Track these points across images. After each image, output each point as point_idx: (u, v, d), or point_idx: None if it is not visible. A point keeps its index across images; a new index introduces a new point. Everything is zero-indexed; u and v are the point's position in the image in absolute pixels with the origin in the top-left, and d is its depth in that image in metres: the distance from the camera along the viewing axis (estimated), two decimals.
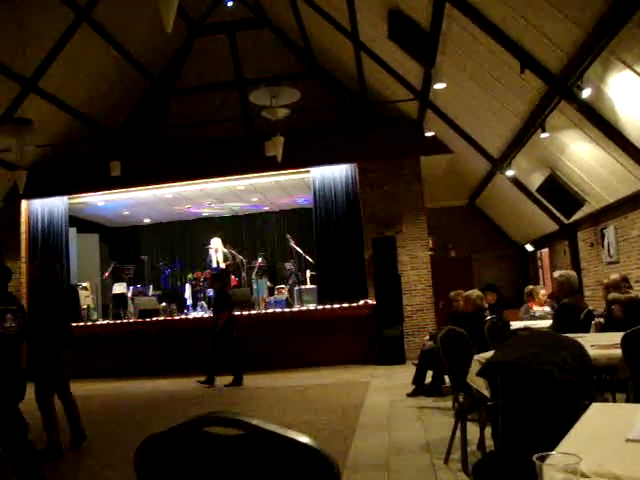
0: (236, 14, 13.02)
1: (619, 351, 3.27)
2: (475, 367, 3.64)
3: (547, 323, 6.36)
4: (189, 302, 14.47)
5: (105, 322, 12.57)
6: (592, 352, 3.07)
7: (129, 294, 13.71)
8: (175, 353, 11.67)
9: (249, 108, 12.49)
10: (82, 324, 12.28)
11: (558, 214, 10.48)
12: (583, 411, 2.05)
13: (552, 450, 1.41)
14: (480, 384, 3.46)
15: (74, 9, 10.36)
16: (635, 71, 5.96)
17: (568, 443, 1.48)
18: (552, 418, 2.50)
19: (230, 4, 13.03)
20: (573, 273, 6.58)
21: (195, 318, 12.37)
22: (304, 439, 1.06)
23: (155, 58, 12.97)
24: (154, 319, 12.10)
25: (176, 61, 13.49)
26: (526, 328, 4.35)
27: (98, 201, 14.00)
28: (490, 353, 3.67)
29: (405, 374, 8.77)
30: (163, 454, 1.15)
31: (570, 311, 5.70)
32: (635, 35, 5.57)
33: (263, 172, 12.71)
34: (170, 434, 1.14)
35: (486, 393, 3.50)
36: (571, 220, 10.34)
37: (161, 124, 13.56)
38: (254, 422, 1.07)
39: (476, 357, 3.84)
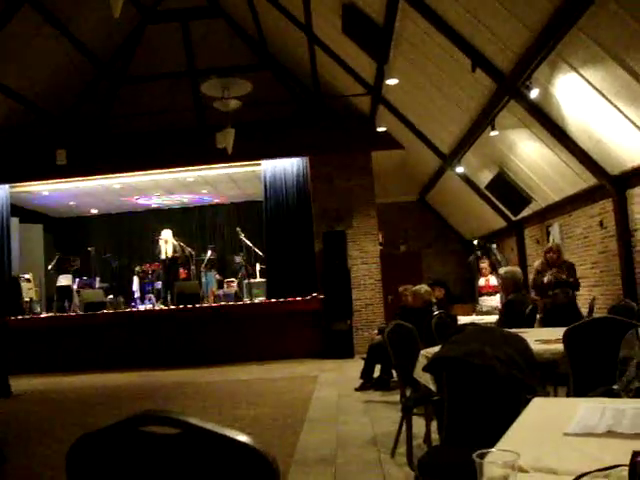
0: (190, 2, 12.79)
1: (561, 346, 3.34)
2: (422, 362, 3.67)
3: (494, 318, 6.48)
4: (137, 295, 14.23)
5: (49, 315, 12.24)
6: (535, 347, 3.13)
7: (75, 286, 13.38)
8: (121, 346, 11.46)
9: (201, 98, 12.31)
10: (25, 317, 11.95)
11: (506, 211, 10.69)
12: (525, 405, 2.08)
13: (495, 444, 1.42)
14: (427, 379, 3.49)
15: None
16: (580, 74, 6.10)
17: (508, 438, 1.49)
18: (495, 412, 2.53)
19: None
20: (518, 270, 6.73)
21: (142, 311, 12.16)
22: (242, 438, 1.03)
23: (104, 44, 12.60)
24: (100, 312, 11.84)
25: (126, 48, 13.16)
26: (472, 323, 4.41)
27: (43, 190, 13.57)
28: (437, 348, 3.70)
29: (354, 368, 8.81)
30: (96, 454, 1.11)
31: (515, 307, 5.83)
32: (581, 39, 5.70)
33: (213, 164, 12.58)
34: (104, 433, 1.10)
35: (432, 387, 3.53)
36: (518, 217, 10.56)
37: (110, 112, 13.23)
38: (190, 420, 1.04)
39: (423, 352, 3.88)
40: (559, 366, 3.36)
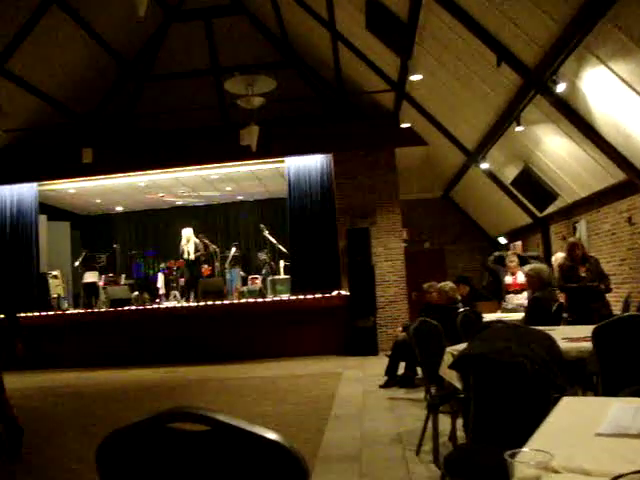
0: (213, 0, 12.84)
1: (589, 344, 3.29)
2: (448, 359, 3.64)
3: (519, 316, 6.41)
4: (162, 291, 14.34)
5: (75, 311, 12.40)
6: (562, 345, 3.09)
7: (101, 283, 13.54)
8: (146, 342, 11.57)
9: (224, 96, 12.35)
10: (52, 313, 12.13)
11: (531, 207, 10.56)
12: (554, 404, 2.05)
13: (523, 443, 1.40)
14: (452, 376, 3.46)
15: None
16: (609, 67, 6.00)
17: (539, 438, 1.47)
18: (523, 411, 2.50)
19: None
20: (544, 267, 6.64)
21: (167, 307, 12.26)
22: (272, 435, 1.02)
23: (129, 43, 12.73)
24: (125, 308, 11.96)
25: (151, 47, 13.26)
26: (499, 321, 4.37)
27: (69, 188, 13.74)
28: (462, 345, 3.67)
29: (377, 365, 8.80)
30: (126, 450, 1.11)
31: (541, 304, 5.75)
32: (609, 31, 5.61)
33: (238, 161, 12.61)
34: (133, 429, 1.10)
35: (458, 385, 3.51)
36: (544, 213, 10.43)
37: (134, 111, 13.35)
38: (220, 417, 1.04)
39: (448, 349, 3.85)
40: (587, 365, 3.31)
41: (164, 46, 13.20)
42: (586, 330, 3.51)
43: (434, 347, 4.31)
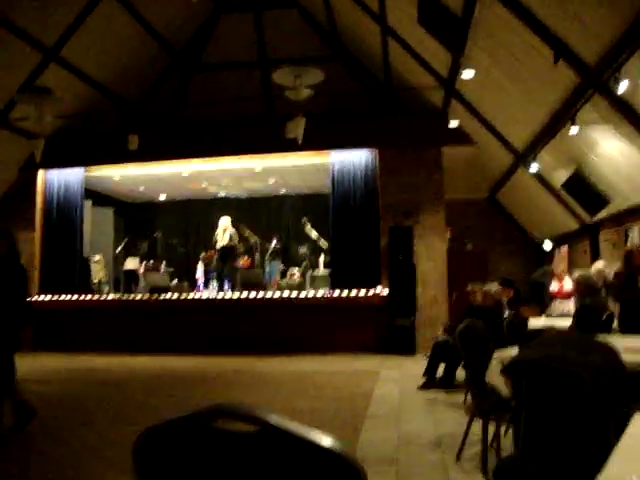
0: None
1: None
2: (495, 363, 3.48)
3: (566, 322, 6.17)
4: (200, 281, 14.43)
5: (116, 297, 12.53)
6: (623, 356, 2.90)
7: (141, 270, 13.66)
8: (183, 331, 11.62)
9: (271, 88, 12.31)
10: (92, 297, 12.28)
11: (581, 212, 10.23)
12: (615, 420, 1.90)
13: (577, 459, 1.26)
14: (499, 381, 3.31)
15: None
16: None
17: (618, 459, 1.32)
18: (580, 425, 2.35)
19: None
20: (593, 273, 6.41)
21: (205, 298, 12.28)
22: (327, 442, 0.91)
23: (179, 33, 12.82)
24: (164, 296, 12.03)
25: (200, 37, 13.31)
26: (552, 328, 4.19)
27: (115, 175, 13.88)
28: (512, 350, 3.52)
29: (415, 366, 8.64)
30: (164, 449, 1.01)
31: (591, 312, 5.52)
32: None
33: (282, 153, 12.54)
34: (172, 428, 1.00)
35: (504, 391, 3.35)
36: (594, 219, 10.09)
37: (181, 100, 13.43)
38: (271, 419, 0.93)
39: (498, 353, 3.69)
40: None
41: (213, 37, 13.25)
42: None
43: (480, 350, 4.15)
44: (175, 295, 12.15)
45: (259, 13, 12.92)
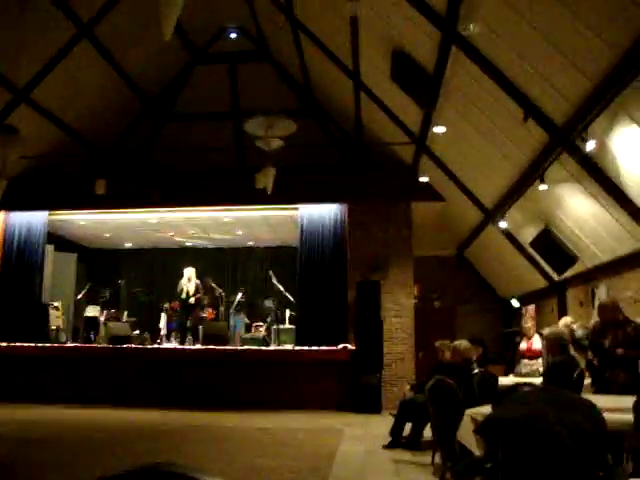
0: (239, 46, 12.98)
1: (627, 416, 2.97)
2: (467, 422, 3.31)
3: (537, 381, 6.06)
4: (163, 332, 14.04)
5: (73, 345, 12.07)
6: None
7: (102, 318, 13.26)
8: (143, 383, 11.17)
9: (242, 139, 12.33)
10: (49, 345, 11.82)
11: (549, 270, 10.27)
12: None
13: None
14: (472, 441, 3.13)
15: (76, 24, 10.19)
16: None
17: None
18: None
19: (233, 36, 13.00)
20: (564, 330, 6.34)
21: (167, 348, 11.92)
22: None
23: (153, 81, 12.85)
24: (125, 346, 11.62)
25: (174, 86, 13.36)
26: (526, 384, 4.05)
27: (80, 220, 13.60)
28: (484, 409, 3.36)
29: (381, 424, 8.38)
30: None
31: (562, 370, 5.41)
32: None
33: (251, 205, 12.46)
34: None
35: (477, 451, 3.18)
36: (562, 277, 10.12)
37: (152, 147, 13.34)
38: None
39: (469, 412, 3.53)
40: (625, 440, 2.98)
41: (187, 86, 13.31)
42: (620, 400, 3.19)
43: (450, 408, 3.98)
44: (136, 345, 11.73)
45: (234, 65, 13.05)
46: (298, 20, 10.57)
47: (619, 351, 5.86)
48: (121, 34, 10.99)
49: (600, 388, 5.73)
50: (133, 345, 11.77)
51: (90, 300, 13.72)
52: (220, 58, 13.09)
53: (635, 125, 5.85)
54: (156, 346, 12.17)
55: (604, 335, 6.00)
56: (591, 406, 2.42)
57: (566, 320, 8.04)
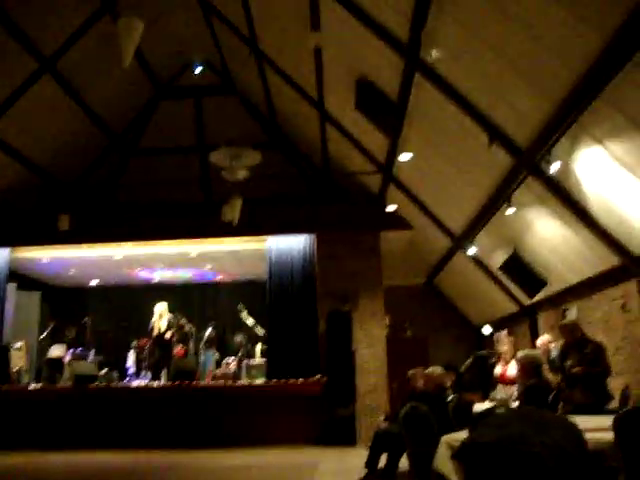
0: (204, 80, 12.97)
1: (607, 435, 2.89)
2: (444, 449, 3.20)
3: (512, 406, 5.97)
4: (132, 370, 13.70)
5: (36, 386, 11.64)
6: None
7: (67, 358, 12.87)
8: (111, 424, 10.79)
9: (209, 174, 12.25)
10: (10, 388, 11.40)
11: (519, 294, 10.28)
12: None
13: None
14: (450, 469, 3.01)
15: (38, 59, 10.04)
16: (604, 147, 5.87)
17: None
18: None
19: (198, 70, 12.98)
20: (538, 353, 6.32)
21: (135, 387, 11.57)
22: None
23: (118, 116, 12.71)
24: (90, 386, 11.24)
25: (139, 121, 13.25)
26: (503, 405, 3.96)
27: (43, 257, 13.23)
28: (460, 434, 3.25)
29: (356, 457, 8.16)
30: None
31: (538, 394, 5.34)
32: (604, 111, 5.51)
33: (218, 239, 12.33)
34: None
35: (455, 479, 3.06)
36: (533, 301, 10.14)
37: (118, 182, 13.15)
38: None
39: (445, 438, 3.41)
40: (607, 459, 2.89)
41: (153, 121, 13.22)
42: (598, 420, 3.12)
43: (425, 435, 3.86)
44: (103, 385, 11.38)
45: (199, 99, 13.02)
46: (262, 52, 10.59)
47: (574, 370, 5.96)
48: (85, 69, 10.84)
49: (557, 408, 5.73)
50: (99, 384, 11.39)
51: (55, 339, 13.34)
52: (185, 92, 13.07)
53: (597, 145, 5.91)
54: (124, 385, 11.80)
55: (567, 356, 6.08)
56: (571, 425, 2.33)
57: (543, 339, 8.06)
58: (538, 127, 6.34)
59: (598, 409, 5.47)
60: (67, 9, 9.68)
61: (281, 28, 9.82)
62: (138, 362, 13.60)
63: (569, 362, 6.06)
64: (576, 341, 6.22)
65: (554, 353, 7.01)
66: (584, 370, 5.97)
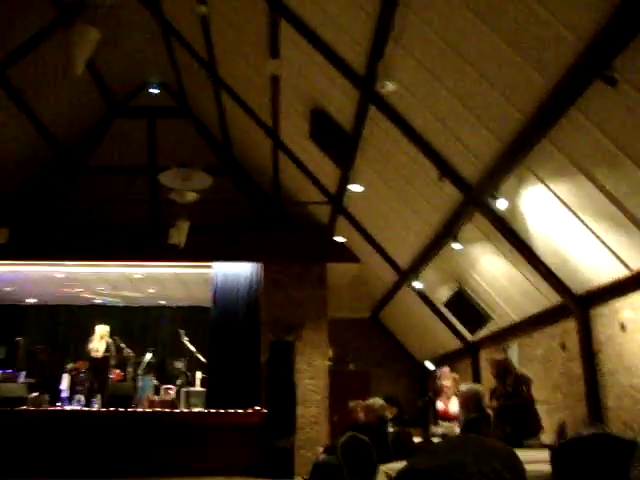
0: (160, 101, 12.85)
1: (544, 466, 2.89)
2: (382, 479, 3.14)
3: None
4: (65, 394, 13.14)
5: None
6: None
7: None
8: (39, 451, 10.27)
9: (158, 196, 12.05)
10: None
11: (463, 331, 10.37)
12: None
13: None
14: None
15: None
16: (548, 186, 6.03)
17: None
18: None
19: (155, 91, 12.86)
20: (479, 387, 6.36)
21: (66, 411, 11.10)
22: None
23: (69, 131, 12.40)
24: (17, 409, 10.71)
25: (91, 138, 12.98)
26: (444, 435, 3.92)
27: None
28: (398, 464, 3.19)
29: None
30: None
31: (477, 426, 5.35)
32: (550, 151, 5.67)
33: (163, 262, 12.10)
34: None
35: None
36: (475, 338, 10.24)
37: (64, 198, 12.77)
38: None
39: (383, 468, 3.35)
40: None
41: (104, 139, 12.96)
42: (536, 454, 3.11)
43: (363, 465, 3.79)
44: (31, 408, 10.87)
45: (153, 120, 12.87)
46: (220, 77, 10.57)
47: (490, 404, 6.01)
48: (37, 80, 10.60)
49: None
50: (27, 408, 10.87)
51: None
52: (140, 112, 12.88)
53: (541, 185, 6.06)
54: (54, 409, 11.30)
55: (495, 391, 6.16)
56: (511, 454, 2.30)
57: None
58: (487, 164, 6.48)
59: (517, 442, 5.41)
60: (22, 18, 9.48)
61: (240, 54, 9.83)
62: (72, 386, 13.06)
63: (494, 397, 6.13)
64: (499, 375, 6.29)
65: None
66: (500, 404, 6.01)
